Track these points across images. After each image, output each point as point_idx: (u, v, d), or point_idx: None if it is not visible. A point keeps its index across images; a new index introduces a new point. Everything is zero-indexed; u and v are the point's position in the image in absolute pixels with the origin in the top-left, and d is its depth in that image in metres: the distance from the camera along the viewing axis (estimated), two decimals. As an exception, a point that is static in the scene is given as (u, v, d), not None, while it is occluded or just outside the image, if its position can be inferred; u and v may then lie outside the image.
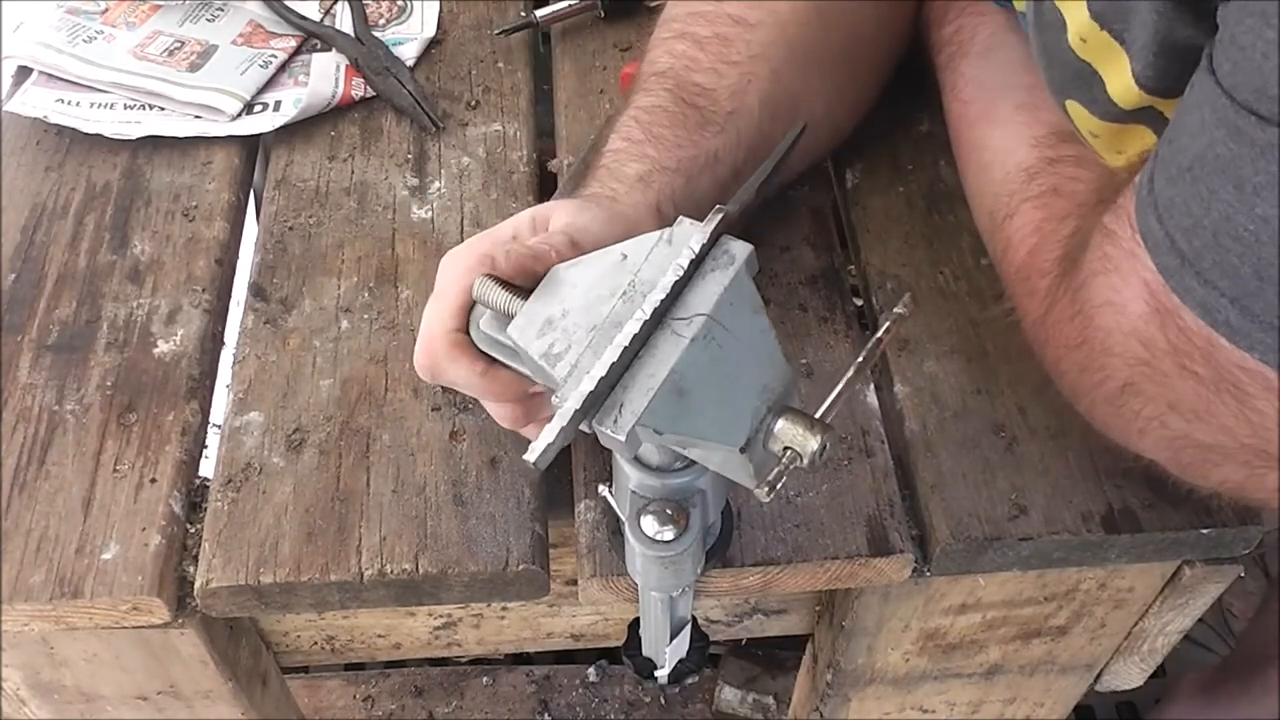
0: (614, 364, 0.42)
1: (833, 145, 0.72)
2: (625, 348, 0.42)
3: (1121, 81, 0.53)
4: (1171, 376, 0.48)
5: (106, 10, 0.82)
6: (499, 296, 0.47)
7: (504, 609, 0.72)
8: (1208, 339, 0.46)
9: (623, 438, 0.42)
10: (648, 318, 0.42)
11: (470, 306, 0.51)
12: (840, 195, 0.75)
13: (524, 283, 0.48)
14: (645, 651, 0.60)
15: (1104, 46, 0.53)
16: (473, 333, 0.51)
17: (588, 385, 0.41)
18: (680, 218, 0.46)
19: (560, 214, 0.53)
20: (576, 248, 0.49)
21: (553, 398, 0.43)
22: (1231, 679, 1.27)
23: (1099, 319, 0.50)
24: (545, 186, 0.75)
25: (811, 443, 0.42)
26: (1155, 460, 0.54)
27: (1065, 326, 0.53)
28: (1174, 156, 0.46)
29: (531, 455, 0.41)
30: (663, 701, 1.24)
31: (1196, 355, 0.46)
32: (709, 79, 0.63)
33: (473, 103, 0.79)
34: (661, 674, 0.59)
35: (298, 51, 0.81)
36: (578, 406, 0.41)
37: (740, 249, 0.44)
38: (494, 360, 0.51)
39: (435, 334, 0.51)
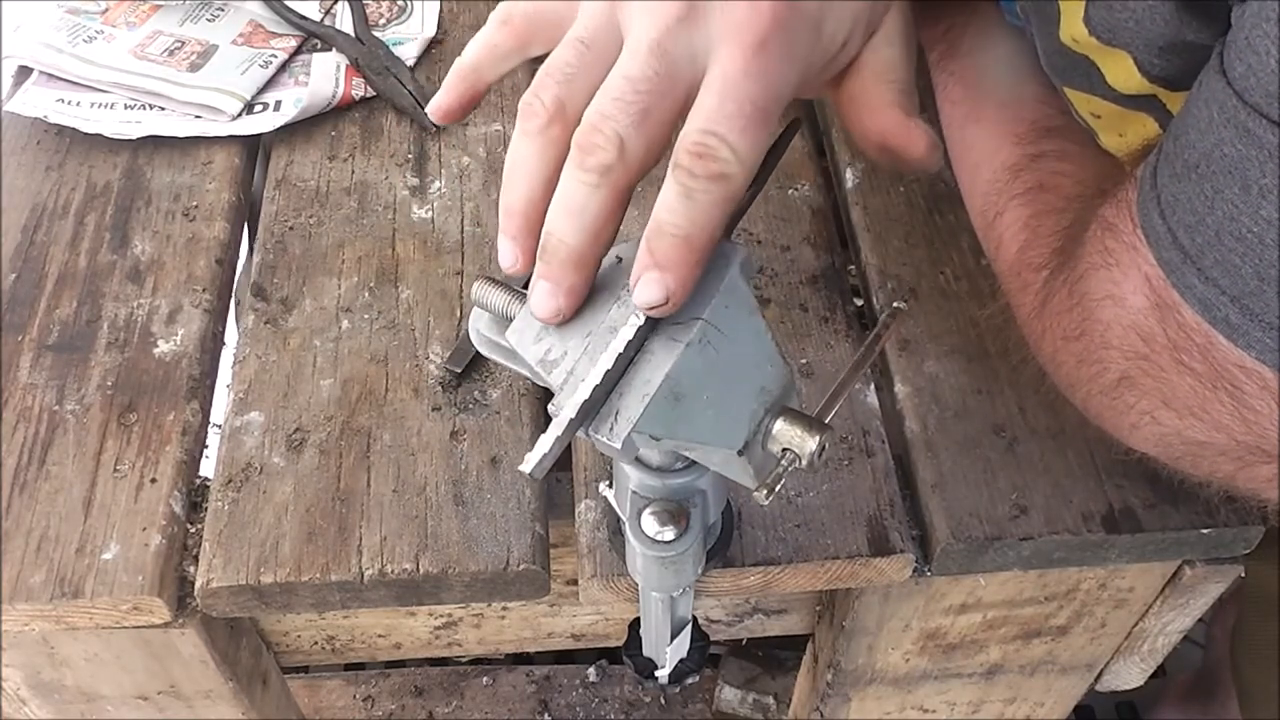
0: (608, 372, 0.41)
1: None
2: (620, 354, 0.42)
3: (1121, 70, 0.52)
4: (1168, 371, 0.48)
5: (107, 10, 0.82)
6: (498, 299, 0.47)
7: (504, 609, 0.72)
8: (1206, 335, 0.46)
9: (619, 445, 0.41)
10: (642, 323, 0.42)
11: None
12: (840, 195, 0.75)
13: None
14: (645, 651, 0.60)
15: (1095, 47, 0.53)
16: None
17: (582, 394, 0.41)
18: None
19: None
20: None
21: (549, 406, 0.43)
22: (1205, 685, 1.28)
23: (1099, 312, 0.50)
24: (545, 186, 0.75)
25: (810, 443, 0.42)
26: (1147, 453, 0.54)
27: (1063, 318, 0.53)
28: (1180, 153, 0.45)
29: (527, 466, 0.41)
30: (663, 701, 1.24)
31: (1195, 351, 0.46)
32: None
33: (473, 102, 0.79)
34: (662, 674, 0.59)
35: (298, 51, 0.81)
36: (573, 416, 0.41)
37: (735, 251, 0.44)
38: None
39: None
